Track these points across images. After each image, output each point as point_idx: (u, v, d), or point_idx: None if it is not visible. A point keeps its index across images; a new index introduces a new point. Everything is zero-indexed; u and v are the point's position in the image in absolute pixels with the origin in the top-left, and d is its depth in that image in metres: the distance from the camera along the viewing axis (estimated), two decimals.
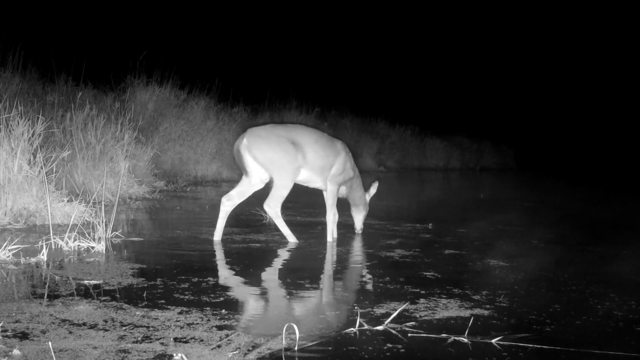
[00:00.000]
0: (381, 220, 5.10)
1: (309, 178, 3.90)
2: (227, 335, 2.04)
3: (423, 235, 4.49)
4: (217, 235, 3.94)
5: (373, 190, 4.42)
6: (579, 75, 26.32)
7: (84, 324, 2.11)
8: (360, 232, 4.38)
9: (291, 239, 3.91)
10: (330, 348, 1.98)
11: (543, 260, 3.69)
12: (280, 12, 18.12)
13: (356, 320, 2.21)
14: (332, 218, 4.04)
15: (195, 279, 2.82)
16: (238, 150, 3.75)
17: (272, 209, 3.79)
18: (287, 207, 5.50)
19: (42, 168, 4.27)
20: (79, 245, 3.44)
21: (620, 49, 25.93)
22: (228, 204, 3.93)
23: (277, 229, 4.52)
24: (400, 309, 2.37)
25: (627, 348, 2.07)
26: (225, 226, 4.58)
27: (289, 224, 4.76)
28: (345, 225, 4.81)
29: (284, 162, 3.70)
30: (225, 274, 2.98)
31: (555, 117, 27.51)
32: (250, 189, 3.94)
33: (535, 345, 2.05)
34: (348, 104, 14.82)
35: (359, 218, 4.37)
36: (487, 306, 2.53)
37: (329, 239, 4.04)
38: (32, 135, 4.42)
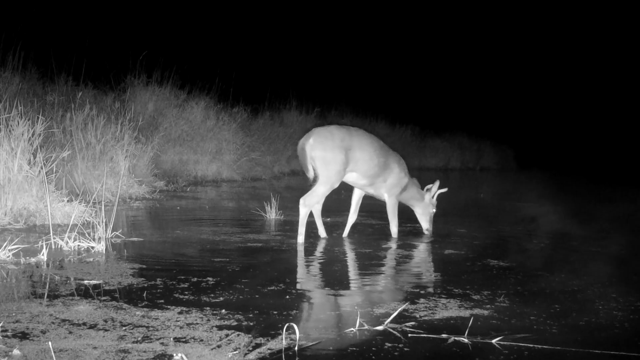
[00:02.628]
0: (381, 220, 5.10)
1: (356, 181, 4.05)
2: (227, 335, 2.04)
3: (423, 236, 4.49)
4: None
5: (435, 188, 4.41)
6: (578, 74, 26.33)
7: (84, 324, 2.11)
8: (427, 233, 4.44)
9: (300, 238, 3.91)
10: (330, 348, 1.99)
11: (543, 260, 3.70)
12: (280, 12, 18.12)
13: (356, 320, 2.21)
14: (395, 229, 4.27)
15: (195, 279, 2.82)
16: (303, 148, 3.83)
17: (306, 207, 3.84)
18: (288, 207, 5.50)
19: (42, 168, 4.27)
20: (79, 245, 3.44)
21: (620, 48, 25.94)
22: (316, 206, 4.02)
23: (276, 229, 4.53)
24: (400, 309, 2.37)
25: (628, 348, 2.07)
26: (226, 226, 4.59)
27: (289, 223, 4.77)
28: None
29: (335, 168, 3.79)
30: (225, 274, 2.98)
31: (555, 117, 27.51)
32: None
33: (535, 345, 2.05)
34: (348, 103, 14.80)
35: (424, 219, 4.44)
36: (487, 306, 2.53)
37: (394, 235, 4.28)
38: (32, 135, 4.42)
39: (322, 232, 4.11)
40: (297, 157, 3.96)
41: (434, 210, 4.43)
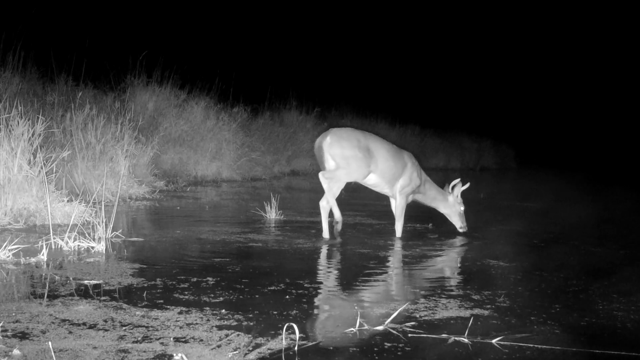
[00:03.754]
0: (381, 220, 5.10)
1: (377, 183, 4.16)
2: (227, 335, 2.04)
3: (423, 235, 4.49)
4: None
5: (457, 189, 4.46)
6: (578, 73, 26.33)
7: (84, 324, 2.11)
8: (462, 230, 4.47)
9: (325, 234, 4.07)
10: (330, 348, 1.99)
11: (543, 260, 3.70)
12: (280, 11, 18.11)
13: (356, 320, 2.21)
14: (400, 228, 4.30)
15: (195, 279, 2.82)
16: (320, 146, 4.00)
17: (328, 204, 4.02)
18: (288, 207, 5.50)
19: (42, 168, 4.27)
20: (79, 245, 3.44)
21: (620, 46, 25.93)
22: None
23: (277, 229, 4.53)
24: (400, 309, 2.37)
25: (628, 348, 2.07)
26: (226, 226, 4.59)
27: (289, 223, 4.77)
28: (346, 225, 4.81)
29: (355, 162, 3.94)
30: (225, 274, 2.98)
31: (555, 116, 27.51)
32: None
33: (535, 345, 2.05)
34: (348, 103, 14.79)
35: (454, 220, 4.48)
36: (487, 306, 2.53)
37: (398, 234, 4.31)
38: (32, 135, 4.42)
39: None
40: (314, 155, 4.12)
41: (463, 207, 4.47)
